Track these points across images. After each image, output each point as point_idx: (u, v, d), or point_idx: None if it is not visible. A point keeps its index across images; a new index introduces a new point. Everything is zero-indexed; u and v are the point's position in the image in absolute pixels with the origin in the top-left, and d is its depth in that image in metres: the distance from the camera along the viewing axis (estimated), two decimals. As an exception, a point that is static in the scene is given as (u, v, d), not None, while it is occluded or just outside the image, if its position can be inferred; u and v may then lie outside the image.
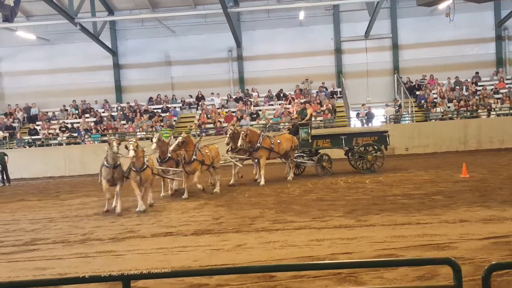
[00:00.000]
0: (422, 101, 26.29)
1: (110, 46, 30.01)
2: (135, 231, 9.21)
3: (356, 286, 5.55)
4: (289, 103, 26.62)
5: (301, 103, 19.37)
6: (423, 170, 16.60)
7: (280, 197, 12.40)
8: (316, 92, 28.10)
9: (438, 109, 25.31)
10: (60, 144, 25.74)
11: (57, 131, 26.76)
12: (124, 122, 27.16)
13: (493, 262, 3.39)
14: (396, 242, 7.25)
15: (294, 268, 4.74)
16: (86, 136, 25.87)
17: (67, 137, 26.21)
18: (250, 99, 28.05)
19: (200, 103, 28.37)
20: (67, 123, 27.57)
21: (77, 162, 24.13)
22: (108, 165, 11.14)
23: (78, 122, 27.58)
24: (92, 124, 27.10)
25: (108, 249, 7.81)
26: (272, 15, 29.51)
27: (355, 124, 25.71)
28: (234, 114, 26.43)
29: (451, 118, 24.89)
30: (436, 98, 26.28)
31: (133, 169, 11.21)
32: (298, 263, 6.12)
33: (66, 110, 29.12)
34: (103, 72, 30.53)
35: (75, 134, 26.45)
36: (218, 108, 27.52)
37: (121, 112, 28.04)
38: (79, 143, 25.69)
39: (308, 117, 16.90)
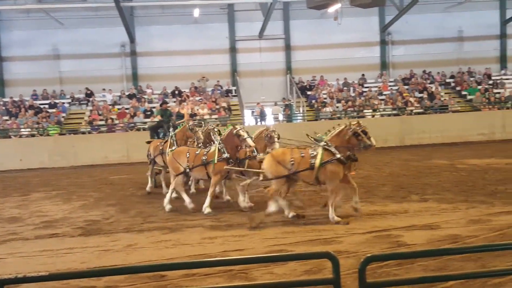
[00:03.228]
0: (313, 101, 27.25)
1: (-9, 37, 27.89)
2: (18, 233, 8.71)
3: (247, 282, 5.64)
4: (184, 101, 26.37)
5: (160, 104, 16.36)
6: (313, 167, 17.16)
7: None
8: (212, 90, 28.13)
9: (327, 109, 26.37)
10: None
11: None
12: (6, 118, 25.37)
13: (368, 255, 3.58)
14: (287, 238, 7.47)
15: (184, 266, 4.69)
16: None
17: None
18: (144, 96, 27.41)
19: (90, 99, 27.24)
20: None
21: (-48, 161, 22.12)
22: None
23: (-47, 118, 25.33)
24: (-30, 119, 25.01)
25: (-14, 254, 7.29)
26: (167, 11, 29.04)
27: (249, 122, 26.08)
28: (127, 111, 25.71)
29: (339, 118, 25.95)
30: (326, 98, 27.37)
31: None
32: (189, 261, 6.09)
33: None
34: (-16, 64, 28.30)
35: (-50, 131, 24.28)
36: (110, 105, 26.59)
37: (3, 108, 26.18)
38: (-46, 140, 23.61)
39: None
